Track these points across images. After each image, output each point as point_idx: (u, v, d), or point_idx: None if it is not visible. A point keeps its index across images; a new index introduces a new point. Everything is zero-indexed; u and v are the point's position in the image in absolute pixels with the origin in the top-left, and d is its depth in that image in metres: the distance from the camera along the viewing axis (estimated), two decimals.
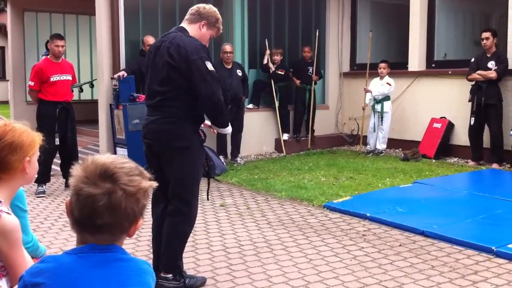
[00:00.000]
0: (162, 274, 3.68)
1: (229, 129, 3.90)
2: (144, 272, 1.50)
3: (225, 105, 3.67)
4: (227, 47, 8.40)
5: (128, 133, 7.31)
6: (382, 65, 8.88)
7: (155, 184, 1.52)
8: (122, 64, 7.93)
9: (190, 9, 3.78)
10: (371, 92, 8.89)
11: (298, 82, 9.44)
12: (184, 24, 3.76)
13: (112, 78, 7.69)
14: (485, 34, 7.75)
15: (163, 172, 3.67)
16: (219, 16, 3.79)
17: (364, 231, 4.98)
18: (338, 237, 4.82)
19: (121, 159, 1.50)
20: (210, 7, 3.77)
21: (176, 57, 3.52)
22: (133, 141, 7.31)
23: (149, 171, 3.35)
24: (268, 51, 9.23)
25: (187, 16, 3.77)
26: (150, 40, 7.86)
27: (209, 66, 3.52)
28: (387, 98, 8.87)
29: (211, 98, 3.54)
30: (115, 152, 7.50)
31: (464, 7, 9.93)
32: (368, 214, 5.34)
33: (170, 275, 3.69)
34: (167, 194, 3.73)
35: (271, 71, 9.16)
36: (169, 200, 3.73)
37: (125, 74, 7.52)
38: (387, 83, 8.78)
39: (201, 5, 3.77)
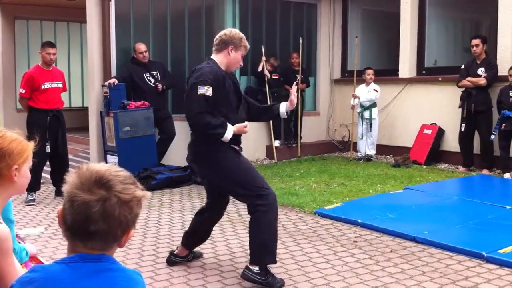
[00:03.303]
0: (249, 266, 3.85)
1: (228, 136, 3.91)
2: (134, 282, 1.49)
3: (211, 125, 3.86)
4: None
5: (118, 141, 7.30)
6: (369, 71, 8.93)
7: (148, 194, 1.53)
8: (113, 72, 7.92)
9: (214, 39, 4.03)
10: (359, 98, 8.94)
11: (293, 88, 9.43)
12: (213, 55, 4.01)
13: (103, 86, 7.67)
14: (475, 41, 7.81)
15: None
16: (241, 35, 4.01)
17: (355, 237, 4.99)
18: (329, 243, 4.83)
19: (116, 168, 1.50)
20: (230, 32, 3.99)
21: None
22: (123, 149, 7.31)
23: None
24: (264, 58, 9.22)
25: (213, 47, 4.02)
26: (142, 47, 7.87)
27: (201, 90, 3.76)
28: (374, 105, 8.93)
29: (191, 119, 3.90)
30: (105, 160, 7.49)
31: (454, 14, 10.00)
32: (359, 221, 5.35)
33: (256, 268, 3.80)
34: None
35: (266, 78, 9.16)
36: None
37: (116, 82, 7.52)
38: (374, 89, 8.84)
39: (222, 33, 4.00)
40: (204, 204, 4.39)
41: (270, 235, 3.86)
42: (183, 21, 8.85)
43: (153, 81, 7.90)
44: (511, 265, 4.13)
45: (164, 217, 5.81)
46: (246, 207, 6.12)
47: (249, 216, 3.93)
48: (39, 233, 5.17)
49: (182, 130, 8.29)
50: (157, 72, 7.98)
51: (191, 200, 6.59)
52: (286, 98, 9.37)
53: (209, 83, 3.78)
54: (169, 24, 8.70)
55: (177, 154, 8.05)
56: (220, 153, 3.93)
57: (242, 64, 4.07)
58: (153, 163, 7.52)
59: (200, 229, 4.32)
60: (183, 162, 7.78)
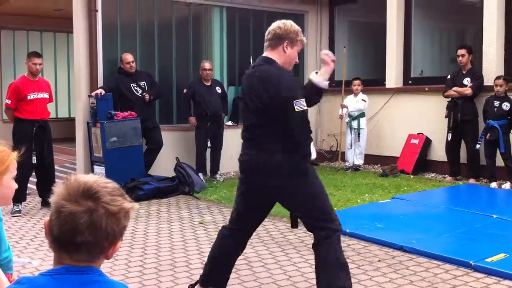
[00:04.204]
0: None
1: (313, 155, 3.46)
2: None
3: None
4: (206, 64, 8.42)
5: (105, 151, 7.27)
6: (356, 82, 8.99)
7: (136, 206, 1.51)
8: (100, 82, 7.90)
9: (266, 33, 3.49)
10: (347, 107, 8.98)
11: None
12: (267, 53, 3.47)
13: (90, 96, 7.64)
14: (461, 51, 7.89)
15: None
16: (297, 27, 3.50)
17: (343, 247, 4.92)
18: None
19: (104, 179, 1.49)
20: (284, 24, 3.46)
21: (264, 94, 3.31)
22: (110, 159, 7.27)
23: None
24: None
25: (266, 43, 3.48)
26: (129, 57, 7.86)
27: (298, 106, 3.24)
28: (362, 114, 8.98)
29: (301, 138, 3.34)
30: (92, 170, 7.44)
31: (440, 24, 10.11)
32: (347, 230, 5.33)
33: None
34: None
35: None
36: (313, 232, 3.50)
37: (103, 92, 7.50)
38: (362, 99, 8.89)
39: (275, 26, 3.47)
40: (226, 232, 3.68)
41: (339, 268, 3.42)
42: (171, 31, 8.86)
43: (140, 91, 7.88)
44: (498, 274, 4.14)
45: (151, 228, 5.77)
46: (228, 216, 6.11)
47: (313, 246, 3.51)
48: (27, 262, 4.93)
49: (169, 140, 8.28)
50: (144, 82, 7.96)
51: (179, 211, 6.56)
52: None
53: (302, 95, 3.31)
54: (156, 34, 8.70)
55: (164, 165, 8.03)
56: (310, 169, 3.44)
57: (298, 61, 3.59)
58: (141, 173, 7.48)
59: (225, 266, 3.73)
60: (170, 173, 7.78)
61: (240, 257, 4.69)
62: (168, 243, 5.20)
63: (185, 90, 8.43)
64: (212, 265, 3.71)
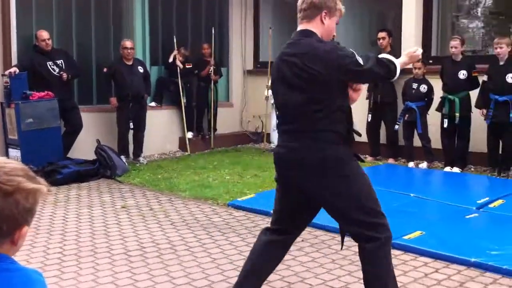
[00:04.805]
0: None
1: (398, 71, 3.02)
2: (33, 283, 1.38)
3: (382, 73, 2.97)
4: (128, 43, 8.16)
5: (21, 133, 6.92)
6: None
7: (44, 188, 1.40)
8: (14, 60, 7.47)
9: (300, 3, 3.00)
10: None
11: (206, 71, 9.34)
12: (302, 26, 2.99)
13: (3, 75, 7.24)
14: (381, 34, 8.08)
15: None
16: None
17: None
18: (243, 235, 4.82)
19: (5, 160, 1.38)
20: None
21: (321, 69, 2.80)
22: (26, 142, 6.94)
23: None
24: (176, 51, 9.05)
25: (301, 15, 3.00)
26: (44, 34, 7.48)
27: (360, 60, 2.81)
28: None
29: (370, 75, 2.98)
30: (7, 153, 7.07)
31: (362, 8, 10.29)
32: (271, 211, 5.37)
33: None
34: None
35: (179, 69, 8.99)
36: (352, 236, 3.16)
37: (17, 71, 7.11)
38: None
39: None
40: (267, 235, 3.33)
41: (389, 273, 3.12)
42: (89, 7, 8.50)
43: (57, 70, 7.53)
44: (415, 251, 4.30)
45: (71, 213, 5.55)
46: (152, 200, 5.98)
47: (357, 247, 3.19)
48: None
49: (89, 122, 7.99)
50: (62, 60, 7.61)
51: (100, 195, 6.36)
52: (199, 88, 9.39)
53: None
54: (74, 10, 8.33)
55: (84, 147, 7.75)
56: (348, 160, 2.99)
57: (335, 34, 3.14)
58: (59, 156, 7.18)
59: (264, 272, 3.33)
60: (91, 156, 7.52)
61: (164, 241, 4.65)
62: (88, 229, 5.03)
63: (105, 69, 8.15)
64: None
